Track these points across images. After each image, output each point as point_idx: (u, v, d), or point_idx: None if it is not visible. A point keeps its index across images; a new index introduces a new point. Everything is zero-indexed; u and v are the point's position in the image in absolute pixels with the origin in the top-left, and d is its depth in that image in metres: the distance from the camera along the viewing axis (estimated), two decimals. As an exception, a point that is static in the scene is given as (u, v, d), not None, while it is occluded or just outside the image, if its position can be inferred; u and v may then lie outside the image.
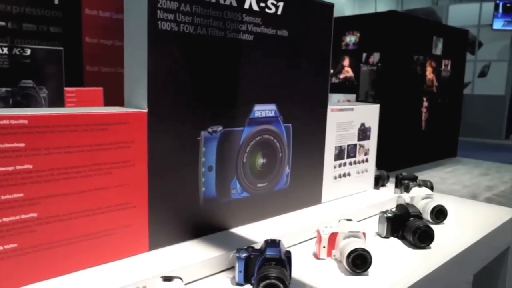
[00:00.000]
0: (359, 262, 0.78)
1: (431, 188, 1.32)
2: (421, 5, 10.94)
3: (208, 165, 0.85)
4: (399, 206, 1.01)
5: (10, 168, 0.61)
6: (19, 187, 0.62)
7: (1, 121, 0.59)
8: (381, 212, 0.99)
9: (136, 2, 0.73)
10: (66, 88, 2.83)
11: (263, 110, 0.93)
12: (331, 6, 1.04)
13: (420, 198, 1.13)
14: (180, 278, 0.65)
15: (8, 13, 6.79)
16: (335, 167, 1.16)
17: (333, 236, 0.85)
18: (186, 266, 0.73)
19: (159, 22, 0.74)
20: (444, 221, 1.10)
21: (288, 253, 0.73)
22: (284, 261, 0.70)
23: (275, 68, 0.95)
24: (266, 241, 0.75)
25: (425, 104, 5.31)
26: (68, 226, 0.68)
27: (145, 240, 0.77)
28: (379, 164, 1.33)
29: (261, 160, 0.95)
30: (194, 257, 0.76)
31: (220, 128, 0.86)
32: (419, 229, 0.92)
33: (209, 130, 0.84)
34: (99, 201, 0.71)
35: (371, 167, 1.28)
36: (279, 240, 0.75)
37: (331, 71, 5.05)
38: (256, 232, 0.90)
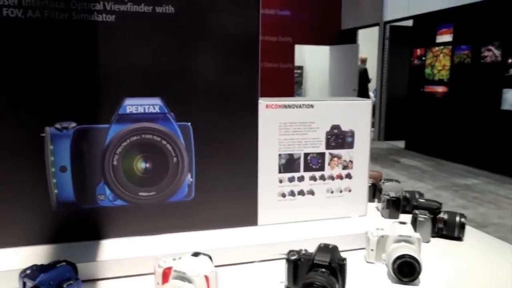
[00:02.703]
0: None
1: (461, 227, 0.90)
2: None
3: (60, 165, 0.76)
4: (318, 248, 0.70)
5: None
6: None
7: None
8: (290, 251, 0.71)
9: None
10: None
11: (139, 104, 0.78)
12: (251, -30, 0.79)
13: (392, 240, 0.77)
14: None
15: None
16: (281, 181, 0.89)
17: (167, 272, 0.65)
18: (-12, 273, 0.67)
19: (-25, 9, 0.69)
20: (417, 281, 0.72)
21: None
22: None
23: (156, 54, 0.78)
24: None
25: None
26: None
27: (-20, 237, 0.75)
28: None
29: (142, 165, 0.80)
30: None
31: (73, 124, 0.76)
32: (308, 286, 0.62)
33: (57, 126, 0.75)
34: None
35: (359, 186, 0.94)
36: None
37: (510, 60, 4.06)
38: (127, 247, 0.77)
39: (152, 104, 0.79)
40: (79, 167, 0.77)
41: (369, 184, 1.17)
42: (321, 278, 0.62)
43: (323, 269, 0.65)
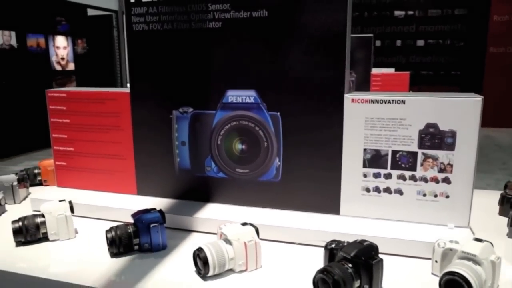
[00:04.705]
0: None
1: None
2: None
3: (181, 140, 1.00)
4: (352, 242, 0.70)
5: (59, 120, 1.09)
6: (64, 131, 1.10)
7: (53, 94, 1.08)
8: (332, 240, 0.74)
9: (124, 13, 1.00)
10: (373, 73, 3.08)
11: (238, 95, 0.93)
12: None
13: (457, 256, 0.69)
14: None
15: (415, 2, 7.44)
16: (365, 176, 0.89)
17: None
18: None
19: (133, 25, 0.97)
20: (471, 305, 0.63)
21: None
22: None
23: (253, 53, 0.90)
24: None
25: None
26: (91, 160, 1.09)
27: (133, 186, 1.06)
28: None
29: (239, 146, 0.96)
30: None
31: (191, 109, 0.98)
32: (317, 273, 0.65)
33: (180, 110, 0.98)
34: (105, 150, 1.07)
35: (460, 193, 0.84)
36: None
37: None
38: (211, 214, 0.95)
39: (248, 95, 0.93)
40: (194, 143, 0.99)
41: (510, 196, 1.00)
42: (336, 270, 0.64)
43: (348, 263, 0.66)
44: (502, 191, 1.03)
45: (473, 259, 0.66)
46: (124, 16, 0.97)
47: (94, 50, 6.82)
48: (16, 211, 1.06)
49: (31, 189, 1.22)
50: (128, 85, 1.03)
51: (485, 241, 0.69)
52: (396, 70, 4.30)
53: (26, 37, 5.44)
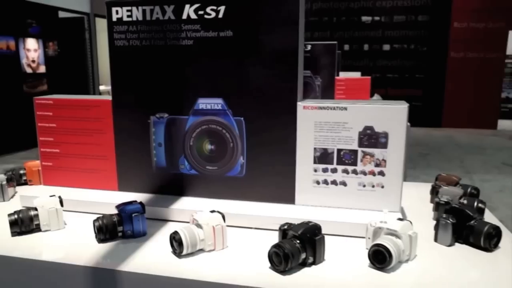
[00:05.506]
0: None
1: (487, 237, 0.90)
2: None
3: (158, 142, 1.14)
4: (300, 223, 0.86)
5: (46, 125, 1.21)
6: (50, 135, 1.21)
7: (40, 101, 1.20)
8: (285, 223, 0.90)
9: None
10: (337, 77, 3.28)
11: (208, 103, 1.08)
12: (291, -2, 0.97)
13: (383, 232, 0.86)
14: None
15: (381, 8, 7.77)
16: (316, 171, 1.05)
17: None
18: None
19: (115, 41, 1.11)
20: (390, 270, 0.81)
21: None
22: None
23: (220, 67, 1.06)
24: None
25: None
26: (76, 161, 1.21)
27: (115, 182, 1.19)
28: None
29: (208, 146, 1.11)
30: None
31: (166, 115, 1.12)
32: (271, 248, 0.81)
33: (157, 115, 1.12)
34: (88, 151, 1.20)
35: (392, 184, 1.01)
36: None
37: None
38: (185, 205, 1.10)
39: (216, 103, 1.08)
40: (169, 144, 1.13)
41: (438, 186, 1.19)
42: (286, 245, 0.80)
43: (296, 240, 0.82)
44: (433, 183, 1.22)
45: (395, 234, 0.84)
46: (99, 27, 1.11)
47: (66, 53, 6.80)
48: (6, 207, 1.17)
49: (18, 188, 1.33)
50: (101, 87, 1.16)
51: (406, 220, 0.87)
52: (363, 74, 4.54)
53: (-5, 39, 5.41)
